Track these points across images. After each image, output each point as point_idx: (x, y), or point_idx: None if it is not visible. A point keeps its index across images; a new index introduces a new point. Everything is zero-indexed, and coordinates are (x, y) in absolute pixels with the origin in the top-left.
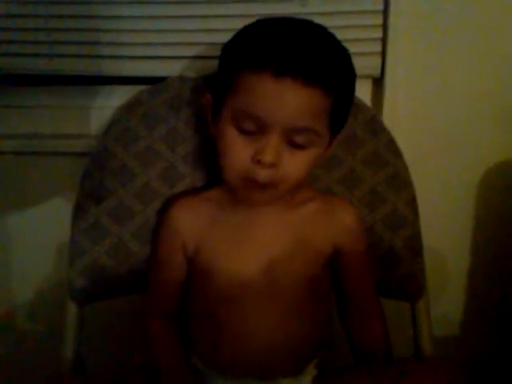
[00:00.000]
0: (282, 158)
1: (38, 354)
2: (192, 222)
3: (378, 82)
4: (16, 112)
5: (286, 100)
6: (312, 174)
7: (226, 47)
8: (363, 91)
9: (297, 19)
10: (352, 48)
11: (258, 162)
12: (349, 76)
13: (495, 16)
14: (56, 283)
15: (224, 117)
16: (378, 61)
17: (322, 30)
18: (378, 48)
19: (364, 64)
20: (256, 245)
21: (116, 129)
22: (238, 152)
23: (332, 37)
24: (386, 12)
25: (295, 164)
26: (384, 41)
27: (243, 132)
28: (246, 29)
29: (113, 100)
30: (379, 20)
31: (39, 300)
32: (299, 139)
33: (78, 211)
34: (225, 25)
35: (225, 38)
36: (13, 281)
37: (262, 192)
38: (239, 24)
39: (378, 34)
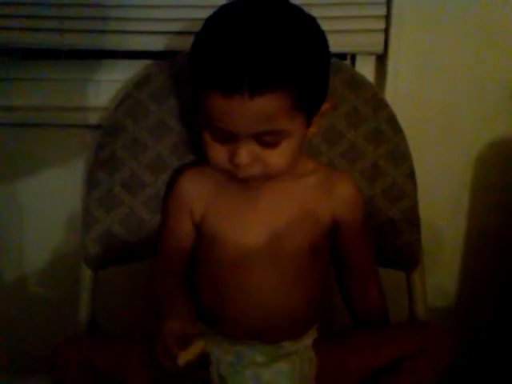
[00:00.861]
0: (258, 155)
1: (49, 318)
2: (199, 191)
3: (382, 59)
4: (27, 85)
5: (239, 114)
6: (314, 148)
7: (189, 56)
8: (366, 68)
9: (255, 7)
10: (355, 25)
11: (234, 164)
12: (308, 64)
13: None
14: (67, 251)
15: (199, 120)
16: (381, 38)
17: (275, 21)
18: (381, 25)
19: (367, 41)
20: (260, 213)
21: (127, 103)
22: (216, 155)
23: (286, 22)
24: None
25: (275, 157)
26: (388, 18)
27: (216, 138)
28: (200, 35)
29: (121, 74)
30: None
31: (51, 266)
32: (268, 139)
33: (92, 182)
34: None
35: None
36: (25, 247)
37: (253, 181)
38: None
39: (382, 11)
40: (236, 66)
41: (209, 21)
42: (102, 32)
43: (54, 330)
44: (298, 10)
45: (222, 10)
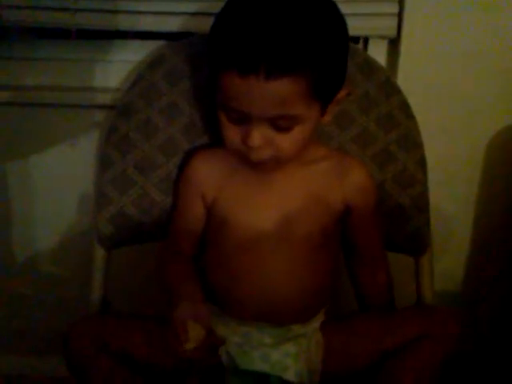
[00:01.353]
0: (270, 138)
1: (61, 297)
2: (211, 174)
3: (394, 43)
4: (38, 64)
5: (254, 95)
6: (326, 133)
7: (208, 38)
8: (379, 51)
9: None
10: (369, 8)
11: (247, 146)
12: (328, 48)
13: None
14: (78, 230)
15: (217, 103)
16: (394, 22)
17: (296, 4)
18: (394, 9)
19: (380, 24)
20: (271, 198)
21: (140, 85)
22: (230, 136)
23: (308, 7)
24: None
25: (287, 141)
26: (401, 2)
27: (232, 119)
28: (220, 16)
29: (132, 54)
30: None
31: (62, 245)
32: (281, 123)
33: (105, 162)
34: None
35: None
36: (37, 227)
37: (264, 165)
38: None
39: None
40: (254, 46)
41: (230, 2)
42: (115, 12)
43: (65, 309)
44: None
45: None
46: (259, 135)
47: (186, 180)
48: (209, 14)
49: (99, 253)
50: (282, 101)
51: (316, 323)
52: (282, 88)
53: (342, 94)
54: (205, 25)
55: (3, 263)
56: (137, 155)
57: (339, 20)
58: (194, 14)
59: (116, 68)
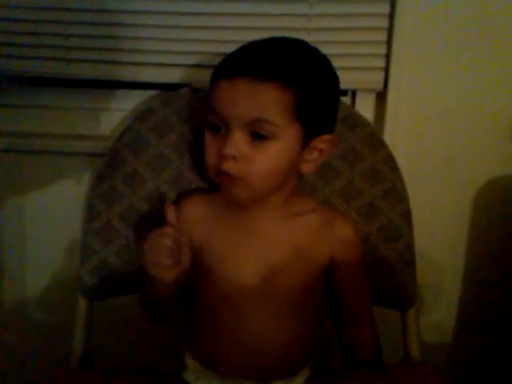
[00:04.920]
0: (245, 152)
1: (48, 342)
2: (199, 216)
3: (382, 96)
4: (31, 112)
5: (238, 96)
6: (311, 185)
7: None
8: (366, 104)
9: (277, 39)
10: (357, 62)
11: (222, 156)
12: (312, 73)
13: (498, 34)
14: (67, 276)
15: (206, 123)
16: (381, 75)
17: (293, 44)
18: (381, 63)
19: (368, 78)
20: (255, 251)
21: (128, 136)
22: (210, 150)
23: (302, 48)
24: (390, 29)
25: (262, 156)
26: (388, 57)
27: (213, 129)
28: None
29: (125, 103)
30: (384, 36)
31: (51, 292)
32: (259, 130)
33: (91, 213)
34: (237, 36)
35: (235, 47)
36: (27, 272)
37: (235, 185)
38: (252, 36)
39: (383, 50)
40: (243, 57)
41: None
42: (107, 62)
43: (52, 355)
44: (313, 48)
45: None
46: (234, 144)
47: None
48: (206, 67)
49: (82, 304)
50: (260, 104)
51: (300, 379)
52: (265, 92)
53: (329, 137)
54: (195, 76)
55: None
56: (122, 206)
57: (329, 65)
58: (186, 66)
59: (106, 116)
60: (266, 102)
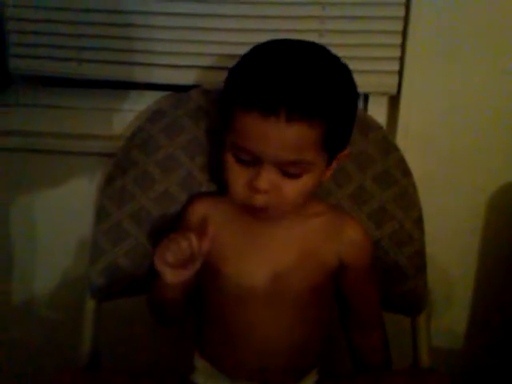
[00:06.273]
0: (277, 183)
1: (56, 341)
2: (209, 218)
3: (395, 100)
4: (44, 112)
5: (272, 138)
6: (323, 188)
7: (227, 78)
8: (379, 108)
9: (294, 46)
10: (370, 66)
11: (253, 189)
12: (341, 102)
13: None
14: (76, 276)
15: (226, 145)
16: (395, 79)
17: (315, 58)
18: (395, 67)
19: (381, 82)
20: (264, 253)
21: (139, 136)
22: (236, 179)
23: (325, 63)
24: (404, 32)
25: (292, 189)
26: (402, 60)
27: (240, 161)
28: (242, 61)
29: (137, 104)
30: (398, 40)
31: (59, 291)
32: (291, 170)
33: (101, 213)
34: (249, 38)
35: (247, 49)
36: (36, 271)
37: (263, 213)
38: (264, 38)
39: (397, 53)
40: (276, 88)
41: (250, 52)
42: (119, 63)
43: (59, 354)
44: (333, 55)
45: (262, 45)
46: (267, 179)
47: (182, 222)
48: (218, 68)
49: (90, 304)
50: (297, 145)
51: (309, 382)
52: (299, 133)
53: (346, 152)
54: (207, 77)
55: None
56: (133, 207)
57: (351, 78)
58: (202, 68)
59: (119, 117)
60: (301, 142)
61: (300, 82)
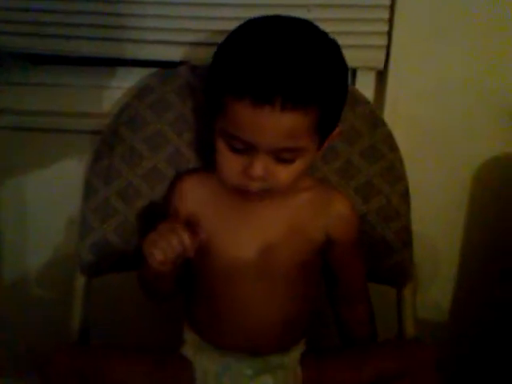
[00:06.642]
0: (271, 169)
1: (47, 318)
2: (196, 194)
3: (382, 75)
4: (32, 90)
5: (267, 127)
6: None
7: (215, 60)
8: (366, 83)
9: (285, 27)
10: (358, 40)
11: (248, 176)
12: (335, 86)
13: (500, 14)
14: (67, 253)
15: (216, 130)
16: (382, 54)
17: (307, 41)
18: (383, 41)
19: (369, 56)
20: (252, 229)
21: (126, 113)
22: (230, 165)
23: (318, 46)
24: (392, 6)
25: (285, 173)
26: (390, 35)
27: (233, 149)
28: (231, 42)
29: (126, 81)
30: (386, 14)
31: (51, 268)
32: (285, 156)
33: (89, 190)
34: (236, 13)
35: (235, 24)
36: (27, 249)
37: (256, 195)
38: (251, 13)
39: (384, 27)
40: (270, 76)
41: (238, 32)
42: (107, 40)
43: (51, 331)
44: (322, 32)
45: (250, 23)
46: (262, 166)
47: (172, 197)
48: (206, 44)
49: (80, 281)
50: (292, 133)
51: (296, 353)
52: (294, 121)
53: (337, 131)
54: (195, 53)
55: None
56: (120, 183)
57: (343, 59)
58: (186, 43)
59: (107, 94)
60: (296, 129)
61: (294, 69)
